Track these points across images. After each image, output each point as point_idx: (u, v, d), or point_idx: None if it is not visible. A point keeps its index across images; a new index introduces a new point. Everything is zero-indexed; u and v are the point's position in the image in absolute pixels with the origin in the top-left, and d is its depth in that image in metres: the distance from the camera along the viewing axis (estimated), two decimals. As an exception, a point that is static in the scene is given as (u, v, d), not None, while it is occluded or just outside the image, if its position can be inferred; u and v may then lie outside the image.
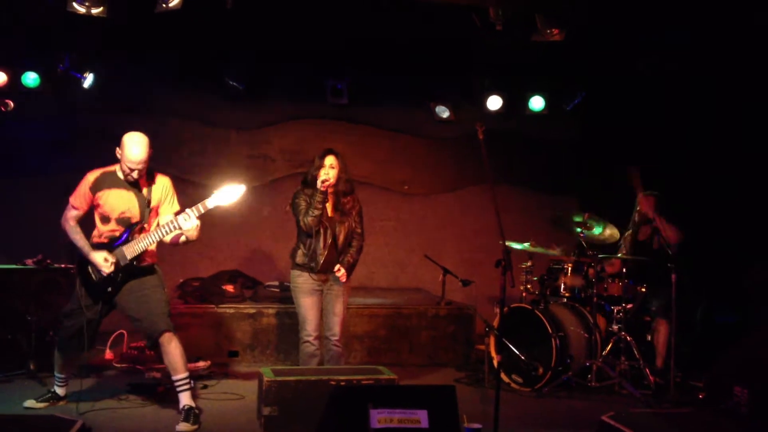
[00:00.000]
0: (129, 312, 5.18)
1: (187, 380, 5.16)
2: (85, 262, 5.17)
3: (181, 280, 7.71)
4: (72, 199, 5.21)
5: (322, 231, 5.65)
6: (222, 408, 5.62)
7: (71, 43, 7.70)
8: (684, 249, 6.72)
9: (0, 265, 6.50)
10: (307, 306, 5.69)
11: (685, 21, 6.49)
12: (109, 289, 5.12)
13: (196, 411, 5.12)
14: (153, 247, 5.19)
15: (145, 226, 5.18)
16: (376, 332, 7.36)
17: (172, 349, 5.11)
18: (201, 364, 6.56)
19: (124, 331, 6.87)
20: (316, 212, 5.56)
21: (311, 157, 5.85)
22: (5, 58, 7.73)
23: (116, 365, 6.68)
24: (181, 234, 5.05)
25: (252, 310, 7.19)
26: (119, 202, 5.15)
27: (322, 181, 5.57)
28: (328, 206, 5.71)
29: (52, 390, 5.50)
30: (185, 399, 5.12)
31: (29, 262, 6.56)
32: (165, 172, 5.37)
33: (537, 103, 9.03)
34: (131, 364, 6.61)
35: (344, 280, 5.74)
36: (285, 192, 8.46)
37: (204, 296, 7.31)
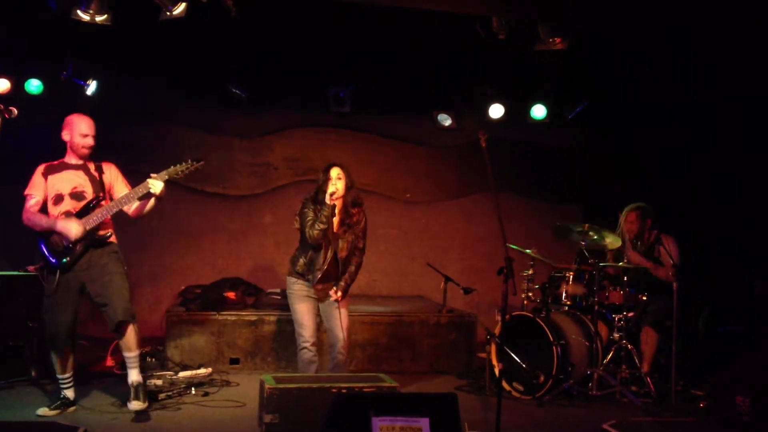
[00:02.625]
0: (95, 299, 5.39)
1: (138, 358, 5.47)
2: (46, 239, 5.34)
3: (183, 288, 7.71)
4: (27, 191, 5.51)
5: (324, 245, 5.64)
6: (223, 415, 5.61)
7: (74, 50, 7.73)
8: (687, 256, 6.73)
9: (2, 272, 6.52)
10: (302, 311, 5.69)
11: (686, 24, 6.48)
12: (66, 259, 5.29)
13: (146, 388, 5.41)
14: (109, 216, 5.41)
15: (103, 202, 5.41)
16: (378, 340, 7.35)
17: (128, 335, 5.41)
18: (202, 371, 6.56)
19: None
20: (322, 226, 5.54)
21: (313, 165, 5.87)
22: (8, 65, 7.75)
23: (117, 372, 6.68)
24: (146, 202, 5.37)
25: (253, 318, 7.18)
26: (70, 179, 5.45)
27: (331, 194, 5.56)
28: (335, 220, 5.68)
29: (62, 395, 5.51)
30: (134, 375, 5.45)
31: (31, 268, 6.55)
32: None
33: (539, 111, 9.04)
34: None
35: (338, 299, 5.73)
36: (287, 200, 8.51)
37: (205, 303, 7.30)
